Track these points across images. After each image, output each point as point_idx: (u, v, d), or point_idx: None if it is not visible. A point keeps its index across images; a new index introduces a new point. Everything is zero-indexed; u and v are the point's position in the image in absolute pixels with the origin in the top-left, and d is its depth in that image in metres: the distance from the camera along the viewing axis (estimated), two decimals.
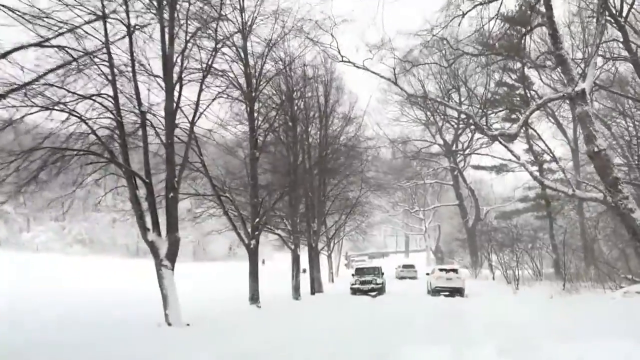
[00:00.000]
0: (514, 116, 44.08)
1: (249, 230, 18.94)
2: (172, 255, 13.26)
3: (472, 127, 39.29)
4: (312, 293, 28.60)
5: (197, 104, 14.63)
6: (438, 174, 61.66)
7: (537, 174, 33.18)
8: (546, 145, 40.64)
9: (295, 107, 24.48)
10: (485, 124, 28.08)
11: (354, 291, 30.56)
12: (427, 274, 35.42)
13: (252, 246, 18.78)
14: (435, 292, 29.28)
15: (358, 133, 35.76)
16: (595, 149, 16.67)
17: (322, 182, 31.57)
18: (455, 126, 55.04)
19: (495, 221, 49.56)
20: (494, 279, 41.97)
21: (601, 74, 26.81)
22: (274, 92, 21.41)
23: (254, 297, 18.61)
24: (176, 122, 14.04)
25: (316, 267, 31.02)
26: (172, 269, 13.25)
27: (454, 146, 56.15)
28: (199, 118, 14.65)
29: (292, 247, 24.33)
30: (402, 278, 49.90)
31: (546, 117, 44.31)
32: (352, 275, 32.35)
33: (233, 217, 19.19)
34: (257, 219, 18.86)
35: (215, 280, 38.86)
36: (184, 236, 24.97)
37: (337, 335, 12.69)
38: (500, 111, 41.37)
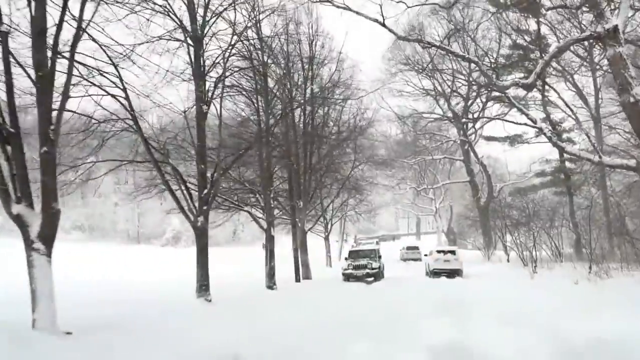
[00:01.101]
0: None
1: (196, 204, 15.03)
2: (47, 235, 9.42)
3: (482, 88, 34.69)
4: (297, 280, 24.78)
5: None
6: (447, 149, 57.41)
7: (557, 140, 29.20)
8: (566, 104, 35.94)
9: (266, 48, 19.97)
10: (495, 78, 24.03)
11: (347, 277, 26.78)
12: (425, 255, 35.14)
13: (199, 224, 14.86)
14: (433, 274, 29.04)
15: (347, 80, 30.90)
16: (631, 99, 13.75)
17: (307, 150, 27.43)
18: (465, 95, 50.67)
19: (509, 198, 45.25)
20: (508, 261, 37.96)
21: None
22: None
23: (202, 288, 14.70)
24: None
25: (303, 250, 27.20)
26: (49, 255, 9.41)
27: (464, 117, 51.73)
28: (81, 36, 10.53)
29: (265, 226, 20.40)
30: (406, 260, 48.45)
31: (565, 82, 40.17)
32: (345, 259, 28.45)
33: (184, 190, 15.26)
34: (206, 191, 14.94)
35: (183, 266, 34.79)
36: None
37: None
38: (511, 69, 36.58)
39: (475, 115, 51.23)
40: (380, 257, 28.68)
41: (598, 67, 36.80)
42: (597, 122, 37.00)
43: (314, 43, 26.89)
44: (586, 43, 36.07)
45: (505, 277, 27.03)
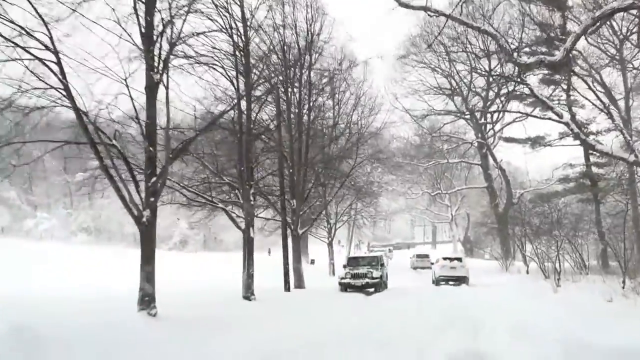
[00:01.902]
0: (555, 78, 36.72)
1: (142, 195, 12.20)
2: None
3: (502, 79, 31.46)
4: (287, 289, 21.86)
5: None
6: (464, 153, 54.22)
7: (584, 136, 26.03)
8: (596, 95, 32.56)
9: None
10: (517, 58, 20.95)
11: (344, 287, 23.85)
12: (432, 263, 35.40)
13: (144, 219, 12.00)
14: (439, 281, 29.09)
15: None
16: None
17: (302, 141, 24.46)
18: (483, 96, 47.54)
19: (530, 205, 41.87)
20: (528, 272, 34.77)
21: None
22: None
23: (145, 300, 11.78)
24: None
25: (296, 257, 24.31)
26: None
27: (482, 119, 48.56)
28: None
29: (243, 226, 17.47)
30: (415, 268, 46.48)
31: (592, 82, 36.88)
32: (343, 266, 25.51)
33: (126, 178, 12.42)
34: (154, 178, 12.10)
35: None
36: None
37: None
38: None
39: (495, 117, 48.11)
40: (382, 264, 25.72)
41: (630, 65, 33.58)
42: (627, 124, 33.67)
43: (310, 17, 24.09)
44: (617, 41, 33.11)
45: (525, 289, 23.91)
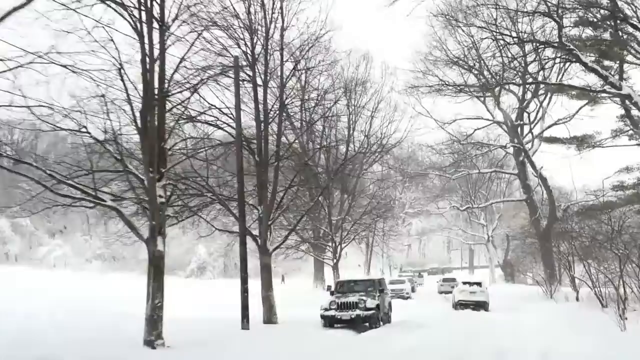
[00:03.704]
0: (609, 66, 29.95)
1: None
2: None
3: (540, 46, 24.88)
4: (245, 326, 15.90)
5: None
6: (498, 162, 47.72)
7: None
8: None
9: None
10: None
11: (328, 321, 17.73)
12: (452, 287, 35.80)
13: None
14: (458, 305, 28.63)
15: None
16: None
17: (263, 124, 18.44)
18: (520, 94, 41.04)
19: (576, 219, 34.90)
20: (577, 299, 27.96)
21: None
22: None
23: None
24: None
25: (265, 284, 18.31)
26: None
27: (519, 121, 41.98)
28: None
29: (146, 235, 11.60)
30: (442, 293, 42.60)
31: None
32: (331, 293, 19.38)
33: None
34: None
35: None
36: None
37: None
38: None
39: (532, 117, 41.51)
40: (382, 291, 19.49)
41: None
42: None
43: None
44: None
45: (577, 327, 17.42)
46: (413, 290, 42.90)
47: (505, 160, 49.02)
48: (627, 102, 25.97)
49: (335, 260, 30.84)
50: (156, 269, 11.43)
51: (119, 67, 10.99)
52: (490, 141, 46.14)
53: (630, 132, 32.72)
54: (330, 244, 31.28)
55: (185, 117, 13.77)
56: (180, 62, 12.45)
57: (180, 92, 12.77)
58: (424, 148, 46.79)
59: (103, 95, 11.08)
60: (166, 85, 12.17)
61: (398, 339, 15.66)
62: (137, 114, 11.35)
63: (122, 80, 11.19)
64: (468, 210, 57.65)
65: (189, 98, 13.21)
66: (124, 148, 12.14)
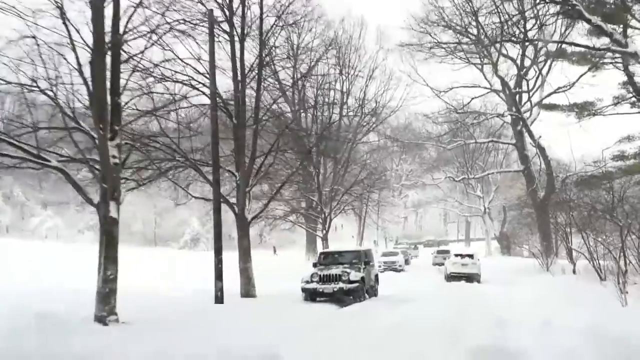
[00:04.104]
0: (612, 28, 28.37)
1: None
2: None
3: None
4: (219, 300, 14.82)
5: None
6: (495, 132, 46.47)
7: None
8: None
9: None
10: None
11: (310, 294, 16.66)
12: (445, 259, 35.82)
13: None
14: (450, 278, 28.89)
15: None
16: None
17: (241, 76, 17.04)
18: (518, 61, 39.60)
19: (575, 189, 33.76)
20: (574, 272, 26.93)
21: None
22: None
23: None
24: None
25: (243, 255, 17.18)
26: None
27: (517, 88, 40.62)
28: None
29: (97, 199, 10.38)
30: (435, 265, 42.44)
31: None
32: (313, 265, 18.27)
33: None
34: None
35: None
36: None
37: None
38: None
39: (531, 85, 40.11)
40: (368, 263, 18.42)
41: None
42: None
43: None
44: None
45: (574, 300, 16.38)
46: (407, 262, 42.04)
47: (503, 130, 47.91)
48: (632, 62, 24.56)
49: (324, 232, 29.72)
50: (108, 237, 10.22)
51: (59, 5, 9.62)
52: (487, 111, 44.90)
53: (633, 99, 31.43)
54: (320, 215, 30.17)
55: (141, 68, 12.35)
56: (138, 5, 11.02)
57: (135, 38, 11.36)
58: (420, 118, 45.67)
59: (34, 37, 9.70)
60: (121, 32, 10.82)
61: (384, 314, 14.62)
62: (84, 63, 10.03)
63: (64, 22, 9.82)
64: (464, 182, 56.56)
65: (147, 48, 11.82)
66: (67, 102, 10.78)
